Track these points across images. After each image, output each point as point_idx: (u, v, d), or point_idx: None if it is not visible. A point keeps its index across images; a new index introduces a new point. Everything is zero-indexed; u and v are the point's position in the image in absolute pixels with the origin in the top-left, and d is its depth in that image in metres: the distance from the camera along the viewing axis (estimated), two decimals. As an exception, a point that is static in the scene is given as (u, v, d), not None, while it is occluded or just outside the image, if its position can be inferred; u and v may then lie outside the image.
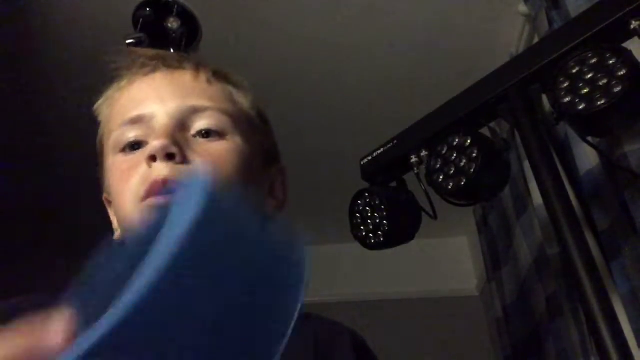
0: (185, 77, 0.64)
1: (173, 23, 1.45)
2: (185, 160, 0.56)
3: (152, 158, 0.55)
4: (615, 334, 0.68)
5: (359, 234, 1.00)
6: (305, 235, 0.31)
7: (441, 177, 0.90)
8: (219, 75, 0.67)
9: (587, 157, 1.02)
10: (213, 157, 0.58)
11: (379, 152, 1.03)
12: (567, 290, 1.18)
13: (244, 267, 0.28)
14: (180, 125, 0.59)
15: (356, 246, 1.01)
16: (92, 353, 0.24)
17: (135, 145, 0.59)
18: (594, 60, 0.76)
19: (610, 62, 0.74)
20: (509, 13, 1.46)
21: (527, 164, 1.25)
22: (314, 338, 0.62)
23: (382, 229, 0.97)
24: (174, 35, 1.45)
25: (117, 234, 0.63)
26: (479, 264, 2.16)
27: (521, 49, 1.47)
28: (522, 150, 1.31)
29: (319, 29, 1.54)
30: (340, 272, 2.32)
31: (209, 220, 0.26)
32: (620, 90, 0.72)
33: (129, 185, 0.57)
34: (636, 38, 0.76)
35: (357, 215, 1.00)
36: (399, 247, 1.00)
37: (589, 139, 0.85)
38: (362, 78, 1.69)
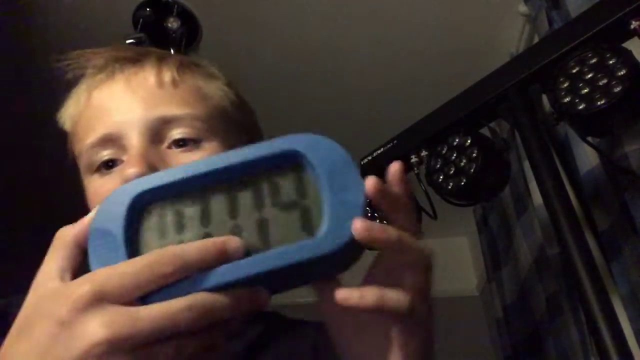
0: (148, 81, 0.59)
1: (173, 23, 1.45)
2: None
3: None
4: (615, 334, 0.68)
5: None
6: None
7: (441, 177, 0.90)
8: (185, 68, 0.62)
9: (587, 157, 1.02)
10: None
11: (379, 152, 1.04)
12: (567, 290, 1.18)
13: None
14: (152, 139, 0.55)
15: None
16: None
17: (109, 163, 0.56)
18: (594, 60, 0.76)
19: (610, 62, 0.74)
20: (509, 13, 1.46)
21: (527, 164, 1.25)
22: (312, 339, 0.62)
23: (382, 229, 0.96)
24: (174, 35, 1.45)
25: None
26: (479, 264, 2.16)
27: (521, 49, 1.47)
28: (522, 150, 1.31)
29: (319, 29, 1.54)
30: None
31: None
32: (620, 90, 0.72)
33: None
34: (636, 38, 0.76)
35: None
36: (399, 247, 1.00)
37: (589, 139, 0.85)
38: (362, 78, 1.69)
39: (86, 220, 0.38)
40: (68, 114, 0.64)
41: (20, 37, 1.48)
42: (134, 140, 0.55)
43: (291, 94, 1.72)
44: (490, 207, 1.71)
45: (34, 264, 0.37)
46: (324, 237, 0.36)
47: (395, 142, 1.02)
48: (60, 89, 0.64)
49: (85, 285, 0.33)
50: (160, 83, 0.59)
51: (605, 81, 0.74)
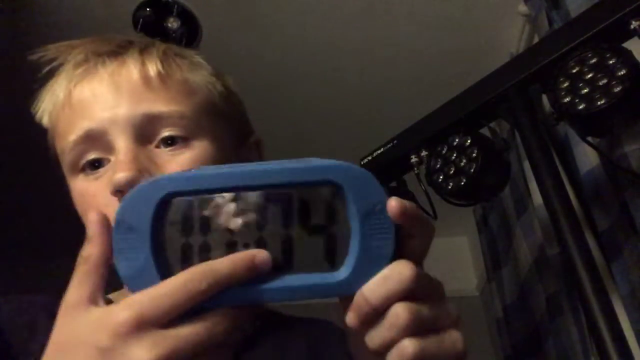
0: (131, 75, 0.56)
1: (173, 23, 1.45)
2: None
3: (119, 192, 0.50)
4: (615, 334, 0.68)
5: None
6: None
7: (441, 177, 0.90)
8: (169, 60, 0.59)
9: (587, 157, 1.02)
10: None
11: (379, 152, 1.04)
12: (567, 290, 1.18)
13: None
14: (139, 138, 0.53)
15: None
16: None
17: (95, 163, 0.54)
18: (594, 60, 0.76)
19: (610, 62, 0.74)
20: (509, 13, 1.46)
21: (527, 164, 1.25)
22: (306, 338, 0.62)
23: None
24: (174, 35, 1.45)
25: None
26: (479, 264, 2.16)
27: (521, 49, 1.48)
28: (522, 150, 1.31)
29: (319, 28, 1.54)
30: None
31: None
32: (620, 90, 0.72)
33: None
34: (636, 38, 0.76)
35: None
36: (399, 247, 1.00)
37: (589, 139, 0.85)
38: (362, 78, 1.69)
39: (106, 239, 0.38)
40: (45, 109, 0.61)
41: (20, 37, 1.48)
42: (121, 141, 0.53)
43: (291, 94, 1.71)
44: (490, 207, 1.71)
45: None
46: (345, 280, 0.37)
47: (395, 142, 1.02)
48: (37, 83, 0.62)
49: (124, 311, 0.33)
50: (144, 78, 0.56)
51: (605, 81, 0.74)
